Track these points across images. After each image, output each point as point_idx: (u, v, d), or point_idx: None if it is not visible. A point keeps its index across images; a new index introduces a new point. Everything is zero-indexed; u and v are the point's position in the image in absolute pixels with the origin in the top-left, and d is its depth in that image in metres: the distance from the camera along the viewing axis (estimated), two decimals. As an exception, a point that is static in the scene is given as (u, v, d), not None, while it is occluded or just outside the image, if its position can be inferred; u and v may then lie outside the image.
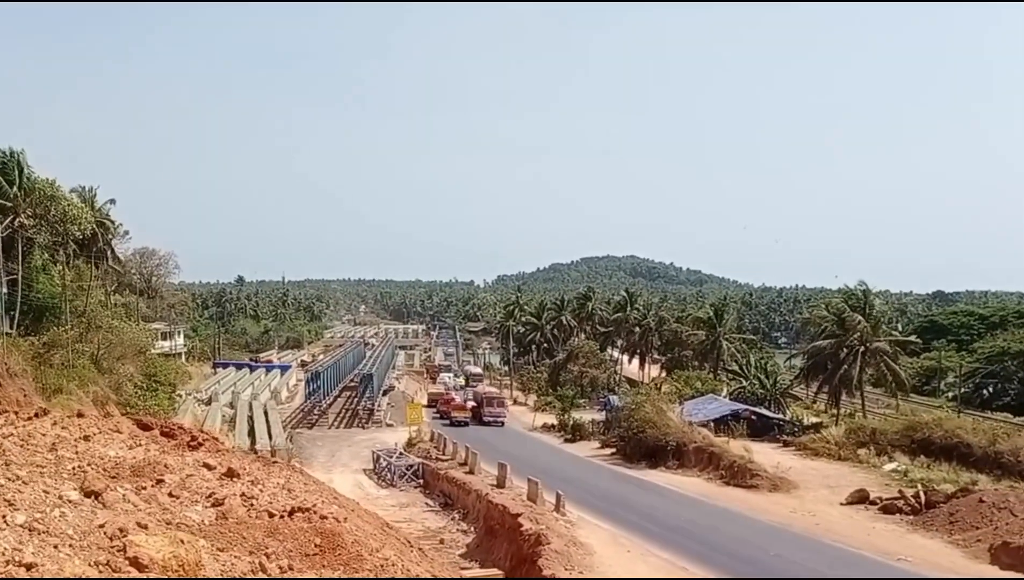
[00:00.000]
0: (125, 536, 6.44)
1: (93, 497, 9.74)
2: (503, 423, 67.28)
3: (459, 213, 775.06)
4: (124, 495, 10.22)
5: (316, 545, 9.34)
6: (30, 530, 5.92)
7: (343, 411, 74.14)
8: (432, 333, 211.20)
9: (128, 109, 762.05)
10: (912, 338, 75.49)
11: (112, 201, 68.65)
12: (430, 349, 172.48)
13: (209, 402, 65.71)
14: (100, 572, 5.57)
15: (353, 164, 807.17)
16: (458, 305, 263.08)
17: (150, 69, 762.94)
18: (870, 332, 62.46)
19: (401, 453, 46.59)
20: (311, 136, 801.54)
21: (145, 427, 19.06)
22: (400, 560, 10.30)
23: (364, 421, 68.12)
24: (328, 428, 65.87)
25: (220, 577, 6.61)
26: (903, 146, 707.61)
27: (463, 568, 27.06)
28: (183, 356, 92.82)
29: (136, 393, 48.21)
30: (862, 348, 62.29)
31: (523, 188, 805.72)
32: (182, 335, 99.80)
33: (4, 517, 5.93)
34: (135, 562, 5.74)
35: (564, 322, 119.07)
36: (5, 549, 5.16)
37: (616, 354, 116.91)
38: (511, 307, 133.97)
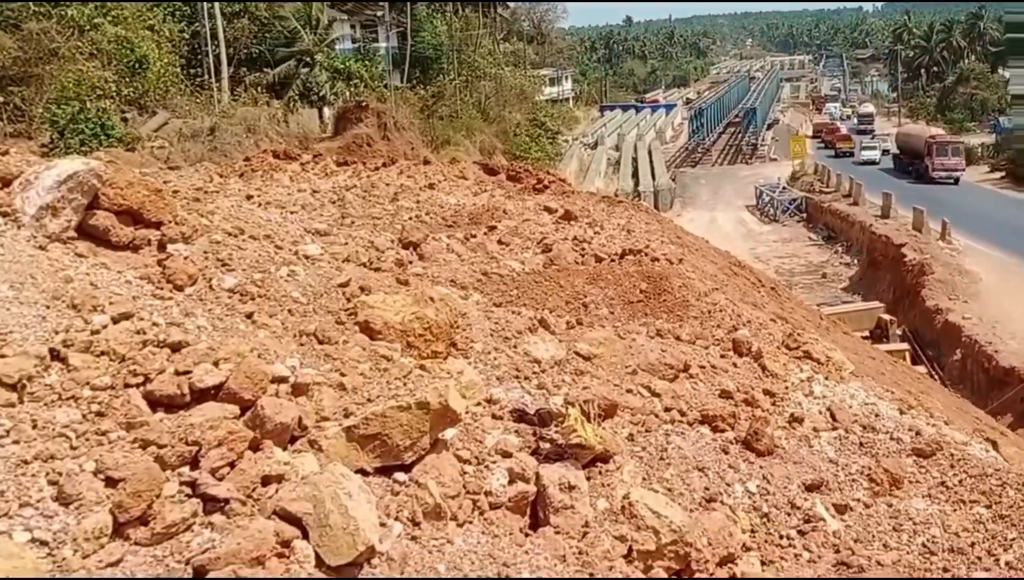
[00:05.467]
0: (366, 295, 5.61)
1: (411, 248, 9.60)
2: (958, 180, 47.52)
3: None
4: (448, 245, 10.02)
5: (641, 290, 8.70)
6: (241, 294, 5.24)
7: (726, 147, 73.00)
8: (819, 63, 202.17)
9: None
10: None
11: None
12: (816, 79, 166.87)
13: (595, 146, 67.08)
14: (302, 344, 4.73)
15: None
16: (845, 32, 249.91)
17: None
18: None
19: (784, 187, 45.77)
20: None
21: (491, 172, 19.17)
22: (731, 305, 9.11)
23: (747, 156, 66.72)
24: (711, 165, 65.35)
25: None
26: None
27: (844, 301, 27.32)
28: (571, 101, 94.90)
29: (522, 140, 49.65)
30: None
31: None
32: (570, 80, 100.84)
33: (211, 281, 5.27)
34: (365, 327, 4.94)
35: (954, 44, 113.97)
36: (157, 322, 3.97)
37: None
38: (900, 31, 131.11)
